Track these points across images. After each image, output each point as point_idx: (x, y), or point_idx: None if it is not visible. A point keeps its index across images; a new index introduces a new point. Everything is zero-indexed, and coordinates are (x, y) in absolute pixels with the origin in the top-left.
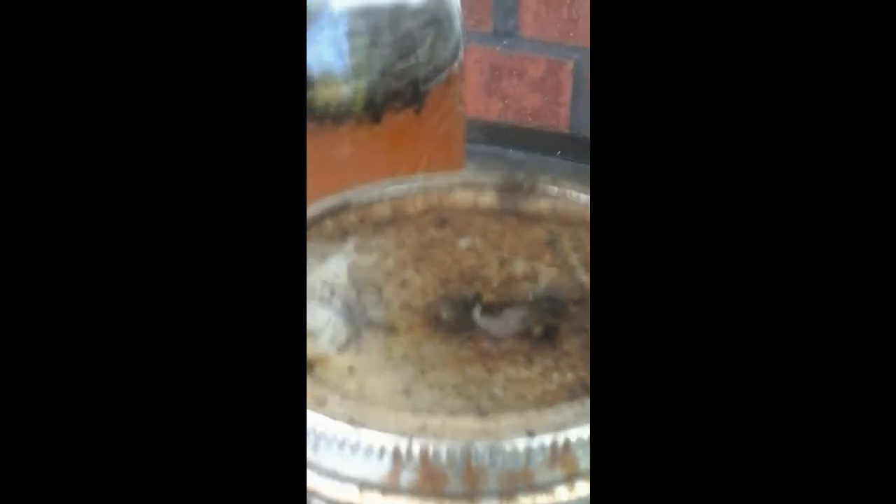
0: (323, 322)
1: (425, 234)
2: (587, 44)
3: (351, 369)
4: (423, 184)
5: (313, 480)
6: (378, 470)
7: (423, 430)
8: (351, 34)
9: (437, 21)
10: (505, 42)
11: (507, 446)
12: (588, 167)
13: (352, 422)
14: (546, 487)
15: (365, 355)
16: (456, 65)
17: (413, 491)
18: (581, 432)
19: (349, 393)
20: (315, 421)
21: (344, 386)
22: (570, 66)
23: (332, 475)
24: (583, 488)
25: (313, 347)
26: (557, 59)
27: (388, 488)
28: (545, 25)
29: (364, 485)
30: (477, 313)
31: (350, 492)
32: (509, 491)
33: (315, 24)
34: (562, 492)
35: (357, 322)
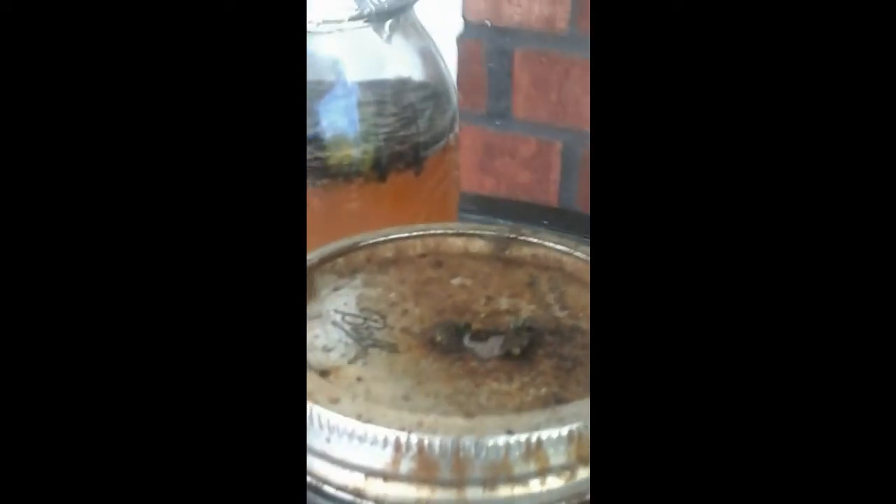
0: (335, 340)
1: (423, 273)
2: (576, 125)
3: (359, 378)
4: (422, 231)
5: (325, 469)
6: (381, 459)
7: (419, 426)
8: (361, 104)
9: (436, 95)
10: (498, 123)
11: (490, 442)
12: (575, 240)
13: (360, 417)
14: (522, 479)
15: (371, 368)
16: (452, 136)
17: (410, 478)
18: (552, 433)
19: (358, 395)
20: (328, 417)
21: (353, 390)
22: (559, 146)
23: (342, 464)
24: (553, 482)
25: (327, 360)
26: (547, 139)
27: (389, 475)
28: (536, 108)
29: (369, 472)
30: (466, 339)
31: (357, 478)
32: (491, 480)
33: (330, 94)
34: (535, 484)
35: (364, 342)
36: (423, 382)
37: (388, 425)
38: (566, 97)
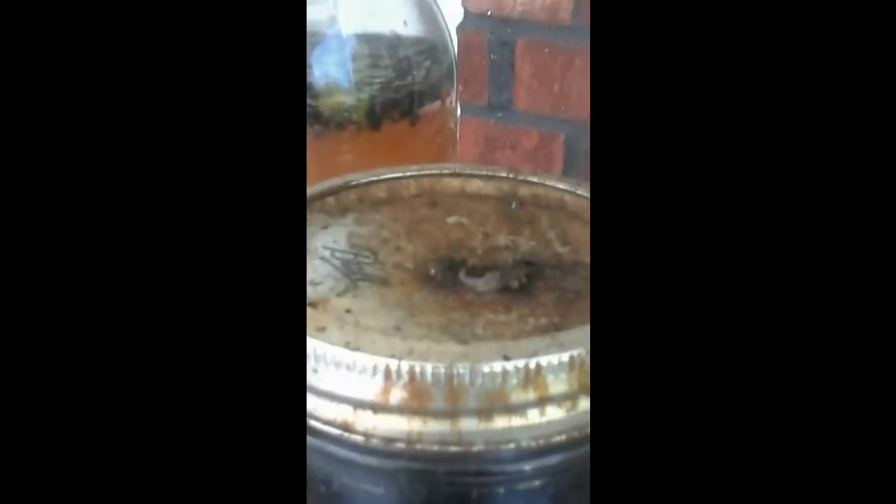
0: (323, 275)
1: (417, 213)
2: (578, 117)
3: (348, 310)
4: (417, 171)
5: (312, 402)
6: (370, 390)
7: (410, 353)
8: (355, 56)
9: (432, 48)
10: (499, 115)
11: (485, 368)
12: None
13: (348, 345)
14: (520, 409)
15: (360, 301)
16: (450, 86)
17: (401, 409)
18: (552, 359)
19: (346, 324)
20: (315, 346)
21: (341, 320)
22: (561, 137)
23: (330, 396)
24: (553, 412)
25: (314, 293)
26: (549, 131)
27: (378, 407)
28: (538, 99)
29: (358, 404)
30: (462, 273)
31: (345, 411)
32: (487, 411)
33: (323, 45)
34: (534, 414)
35: (354, 277)
36: (415, 314)
37: (378, 353)
38: (569, 88)
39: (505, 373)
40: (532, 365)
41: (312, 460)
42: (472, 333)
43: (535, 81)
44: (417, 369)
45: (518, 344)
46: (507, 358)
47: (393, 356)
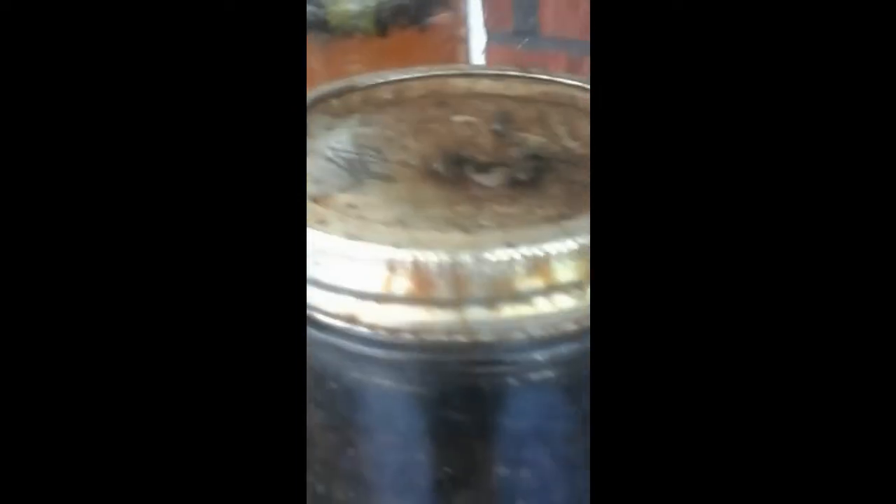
0: (327, 173)
1: (424, 113)
2: None
3: (351, 205)
4: (424, 73)
5: (316, 296)
6: (374, 281)
7: (414, 242)
8: None
9: None
10: (525, 40)
11: (490, 256)
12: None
13: (350, 236)
14: (527, 298)
15: (364, 196)
16: None
17: (406, 299)
18: (559, 246)
19: (349, 217)
20: (317, 238)
21: (344, 213)
22: (589, 61)
23: (333, 289)
24: (561, 301)
25: (317, 189)
26: (578, 55)
27: (382, 298)
28: (565, 23)
29: (361, 296)
30: (469, 169)
31: (349, 303)
32: (493, 299)
33: None
34: (541, 303)
35: (358, 174)
36: (419, 208)
37: (381, 243)
38: None
39: (510, 261)
40: (538, 252)
41: (320, 356)
42: (478, 224)
43: (561, 4)
44: (421, 258)
45: (524, 232)
46: (511, 245)
47: (396, 245)
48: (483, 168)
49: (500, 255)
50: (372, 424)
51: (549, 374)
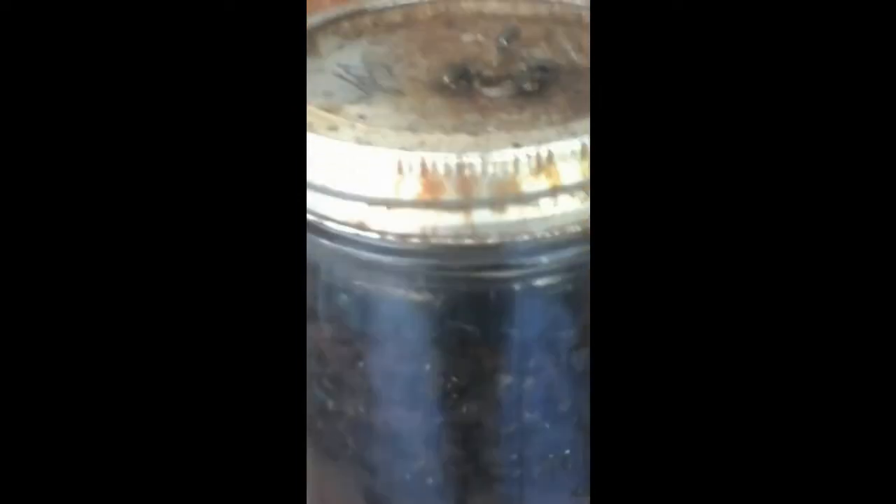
0: (337, 87)
1: (433, 33)
2: None
3: (361, 116)
4: None
5: (325, 204)
6: (382, 186)
7: (422, 145)
8: None
9: None
10: None
11: (496, 157)
12: None
13: (359, 141)
14: (532, 199)
15: (374, 108)
16: None
17: (414, 203)
18: (563, 146)
19: (358, 124)
20: (327, 145)
21: (354, 122)
22: None
23: (343, 196)
24: (566, 203)
25: (327, 102)
26: None
27: (392, 202)
28: None
29: (371, 201)
30: (476, 83)
31: (359, 210)
32: (499, 201)
33: None
34: (547, 205)
35: (368, 88)
36: (428, 117)
37: (389, 146)
38: None
39: (516, 161)
40: (543, 152)
41: (330, 268)
42: (485, 129)
43: None
44: (429, 161)
45: (529, 133)
46: (517, 145)
47: (404, 148)
48: (490, 81)
49: (507, 155)
50: (381, 336)
51: (554, 279)
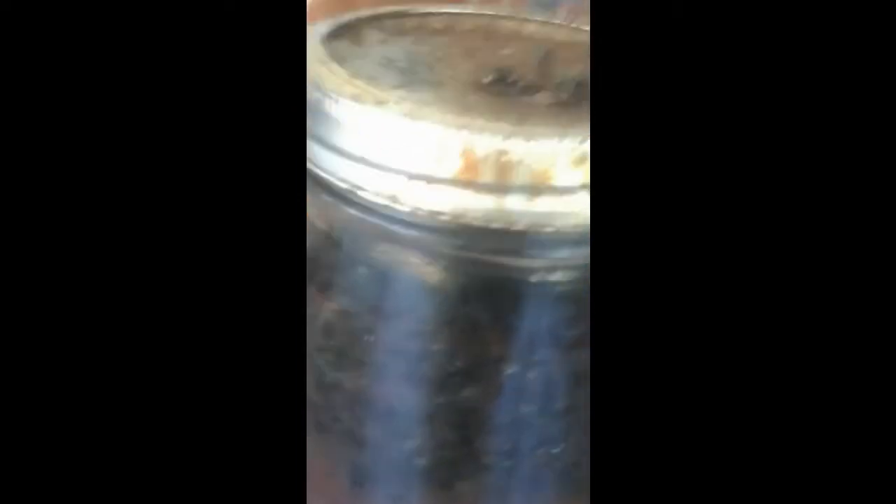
0: (381, 73)
1: (473, 42)
2: None
3: (404, 98)
4: (474, 11)
5: (361, 174)
6: (424, 161)
7: (465, 128)
8: None
9: None
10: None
11: (537, 145)
12: None
13: (406, 116)
14: (566, 192)
15: (418, 95)
16: None
17: (452, 182)
18: None
19: (406, 101)
20: (373, 117)
21: (401, 98)
22: None
23: (381, 168)
24: None
25: (372, 83)
26: None
27: (429, 179)
28: None
29: (409, 176)
30: (515, 91)
31: (395, 183)
32: (535, 189)
33: None
34: (577, 201)
35: (411, 78)
36: (470, 111)
37: (435, 123)
38: None
39: (556, 152)
40: (584, 147)
41: (354, 238)
42: (526, 122)
43: None
44: (471, 142)
45: (570, 129)
46: (558, 137)
47: (449, 127)
48: (528, 89)
49: (547, 145)
50: (394, 311)
51: (570, 275)
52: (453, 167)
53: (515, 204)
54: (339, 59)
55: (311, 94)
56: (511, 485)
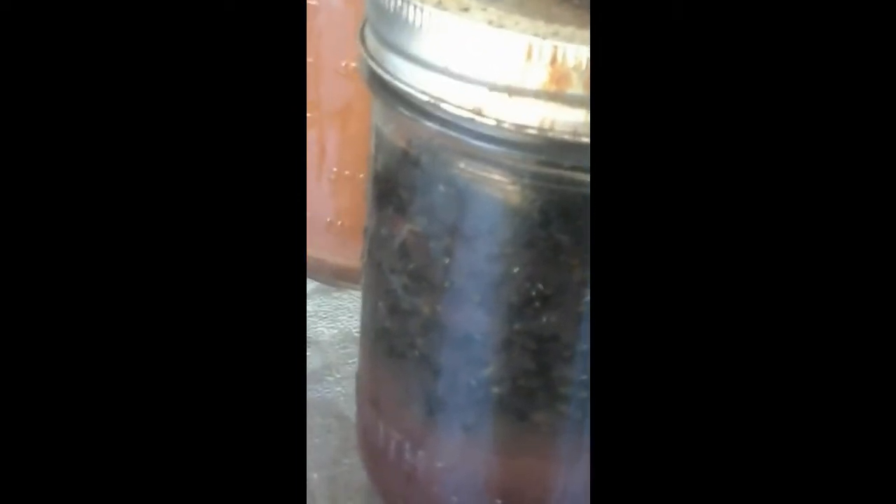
0: None
1: None
2: None
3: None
4: None
5: (444, 85)
6: (509, 71)
7: (555, 35)
8: None
9: None
10: None
11: None
12: None
13: (491, 24)
14: None
15: (501, 5)
16: None
17: (538, 93)
18: None
19: (491, 7)
20: (454, 25)
21: (485, 4)
22: None
23: (465, 79)
24: None
25: None
26: None
27: (514, 90)
28: None
29: (493, 87)
30: None
31: (479, 93)
32: None
33: None
34: None
35: None
36: (555, 21)
37: (522, 31)
38: None
39: None
40: None
41: (434, 156)
42: None
43: None
44: (560, 51)
45: None
46: None
47: (536, 35)
48: None
49: None
50: (474, 233)
51: None
52: (540, 78)
53: None
54: None
55: (391, 0)
56: (586, 418)
